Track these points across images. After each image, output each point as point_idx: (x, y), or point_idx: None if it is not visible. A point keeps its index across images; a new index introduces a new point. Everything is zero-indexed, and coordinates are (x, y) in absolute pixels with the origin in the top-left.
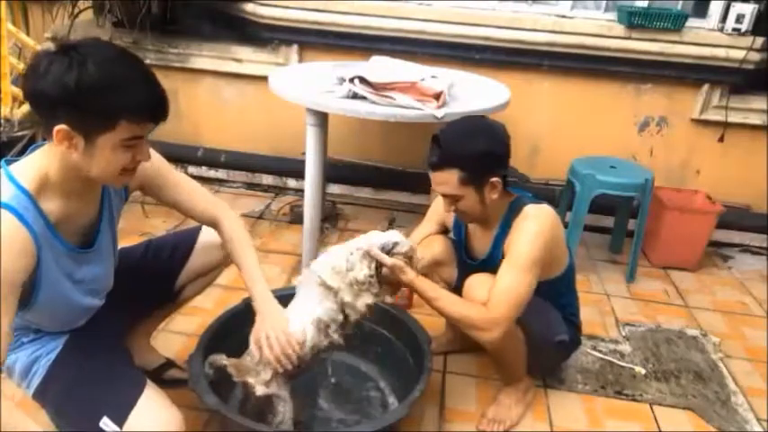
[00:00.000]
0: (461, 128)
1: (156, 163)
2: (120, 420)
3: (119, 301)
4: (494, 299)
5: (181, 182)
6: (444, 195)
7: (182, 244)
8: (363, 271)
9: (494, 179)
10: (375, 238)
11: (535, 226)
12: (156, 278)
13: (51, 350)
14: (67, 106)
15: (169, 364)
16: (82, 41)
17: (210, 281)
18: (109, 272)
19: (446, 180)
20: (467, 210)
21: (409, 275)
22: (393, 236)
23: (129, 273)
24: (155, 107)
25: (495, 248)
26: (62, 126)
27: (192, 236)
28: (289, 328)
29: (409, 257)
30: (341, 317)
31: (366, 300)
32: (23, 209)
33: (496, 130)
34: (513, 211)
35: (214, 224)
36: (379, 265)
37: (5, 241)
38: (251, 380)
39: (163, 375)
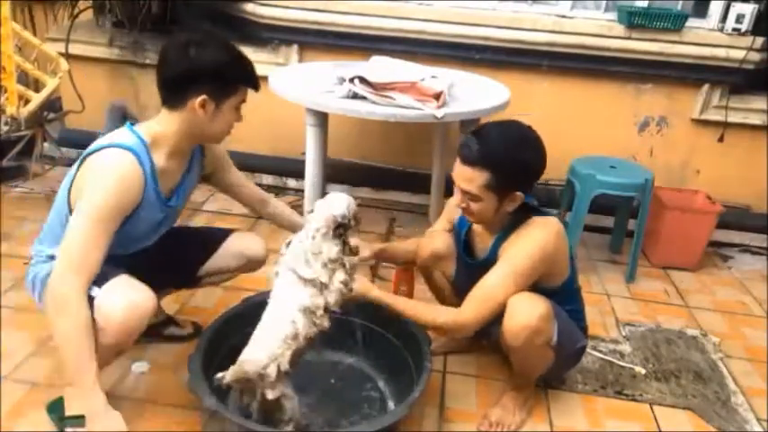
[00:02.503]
0: (509, 132)
1: (223, 149)
2: (100, 284)
3: (144, 265)
4: (471, 302)
5: (236, 169)
6: (463, 190)
7: (211, 238)
8: (333, 249)
9: (518, 193)
10: (332, 211)
11: (537, 238)
12: (181, 260)
13: None
14: (214, 79)
15: (169, 320)
16: (200, 31)
17: (232, 277)
18: (164, 230)
19: (473, 178)
20: (478, 212)
21: (373, 293)
22: (342, 202)
23: (164, 245)
24: (256, 76)
25: (492, 252)
26: (204, 96)
27: (224, 235)
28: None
29: (355, 215)
30: (322, 302)
31: (339, 276)
32: (141, 152)
33: (540, 145)
34: (519, 219)
35: (263, 202)
36: (345, 237)
37: (126, 175)
38: (259, 388)
39: (163, 332)
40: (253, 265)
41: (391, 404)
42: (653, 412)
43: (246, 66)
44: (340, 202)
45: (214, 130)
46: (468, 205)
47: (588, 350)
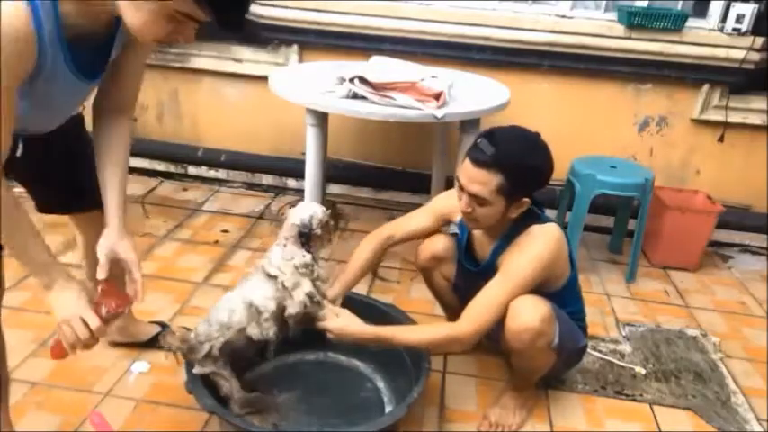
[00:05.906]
0: (521, 138)
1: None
2: None
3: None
4: (471, 314)
5: (139, 67)
6: (471, 194)
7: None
8: (305, 256)
9: (526, 198)
10: (291, 220)
11: (536, 248)
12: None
13: None
14: None
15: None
16: None
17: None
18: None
19: (485, 181)
20: (483, 216)
21: (350, 329)
22: (305, 211)
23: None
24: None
25: (491, 259)
26: None
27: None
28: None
29: (326, 224)
30: (273, 306)
31: (305, 287)
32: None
33: (549, 151)
34: (519, 226)
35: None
36: (310, 247)
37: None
38: (190, 358)
39: (159, 344)
40: None
41: (390, 405)
42: (653, 412)
43: None
44: (302, 210)
45: (128, 20)
46: (473, 209)
47: (588, 350)
